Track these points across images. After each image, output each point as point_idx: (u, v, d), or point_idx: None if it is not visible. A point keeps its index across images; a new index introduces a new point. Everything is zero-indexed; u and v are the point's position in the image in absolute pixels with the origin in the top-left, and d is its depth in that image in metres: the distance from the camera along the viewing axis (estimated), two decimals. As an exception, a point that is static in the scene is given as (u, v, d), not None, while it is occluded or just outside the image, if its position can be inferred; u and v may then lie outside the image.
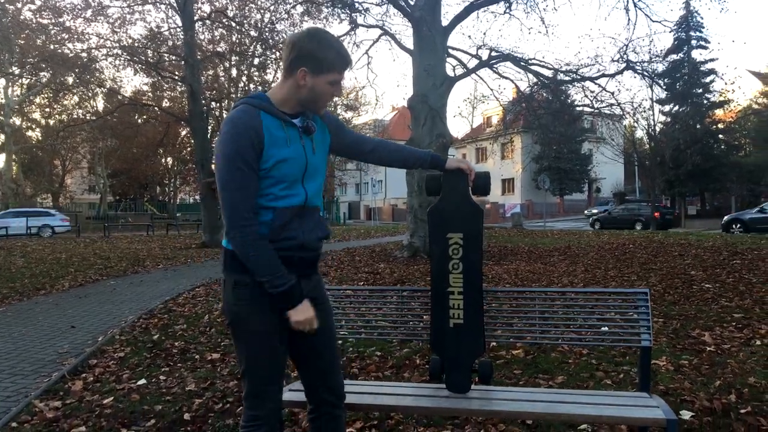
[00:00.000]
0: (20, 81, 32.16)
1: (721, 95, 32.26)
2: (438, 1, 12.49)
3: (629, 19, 14.16)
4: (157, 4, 19.89)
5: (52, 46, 21.50)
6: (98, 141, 39.24)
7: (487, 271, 9.53)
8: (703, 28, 32.64)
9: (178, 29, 19.33)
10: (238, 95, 23.31)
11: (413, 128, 12.41)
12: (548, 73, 13.52)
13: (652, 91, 23.16)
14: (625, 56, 12.18)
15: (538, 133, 32.13)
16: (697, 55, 33.44)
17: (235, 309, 1.99)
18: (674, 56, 32.65)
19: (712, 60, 32.06)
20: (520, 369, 4.31)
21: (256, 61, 21.89)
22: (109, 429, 3.38)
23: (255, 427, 2.03)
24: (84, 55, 20.16)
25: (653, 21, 14.91)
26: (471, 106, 54.53)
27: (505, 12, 13.57)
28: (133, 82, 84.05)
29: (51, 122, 36.98)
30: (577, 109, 14.84)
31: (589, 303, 2.84)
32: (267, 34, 18.65)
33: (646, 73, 12.55)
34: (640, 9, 12.42)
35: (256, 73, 23.93)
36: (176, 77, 20.90)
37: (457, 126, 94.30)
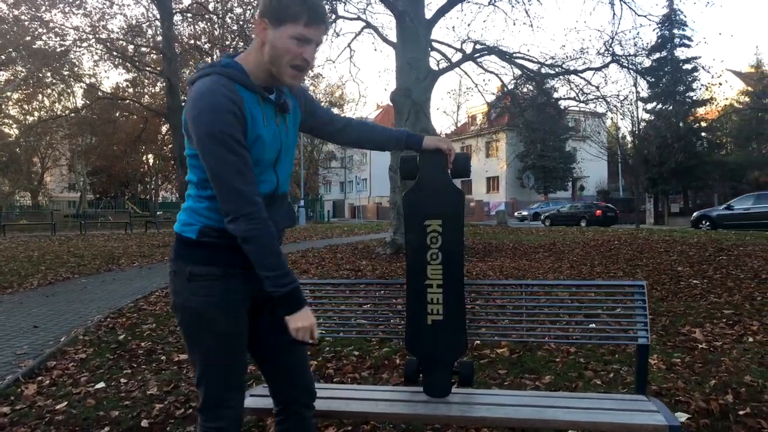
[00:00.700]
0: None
1: (707, 89, 32.36)
2: (421, -7, 12.25)
3: (614, 14, 14.04)
4: (135, -6, 19.47)
5: (28, 38, 20.95)
6: (77, 137, 38.54)
7: (471, 267, 9.33)
8: (686, 26, 32.75)
9: (157, 21, 18.90)
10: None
11: (396, 123, 12.17)
12: (534, 66, 13.34)
13: (636, 88, 23.16)
14: (611, 49, 12.04)
15: (522, 131, 32.09)
16: (680, 53, 33.55)
17: (193, 305, 1.72)
18: (658, 54, 32.73)
19: (695, 58, 32.15)
20: (505, 369, 4.09)
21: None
22: (58, 438, 3.10)
23: None
24: (59, 47, 19.67)
25: (638, 15, 14.78)
26: (456, 103, 54.39)
27: (489, 3, 13.36)
28: (112, 78, 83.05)
29: (30, 119, 36.25)
30: (563, 102, 14.66)
31: (580, 297, 2.61)
32: (249, 29, 18.29)
33: (632, 68, 12.42)
34: (625, 2, 12.27)
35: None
36: (156, 72, 20.45)
37: (441, 121, 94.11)
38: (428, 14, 12.50)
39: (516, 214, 39.71)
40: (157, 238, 19.14)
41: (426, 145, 2.15)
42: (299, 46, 1.66)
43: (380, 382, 3.89)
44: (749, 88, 35.35)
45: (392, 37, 12.82)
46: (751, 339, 4.75)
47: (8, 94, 31.96)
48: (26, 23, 20.65)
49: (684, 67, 33.23)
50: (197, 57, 23.77)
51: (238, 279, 1.75)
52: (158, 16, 18.25)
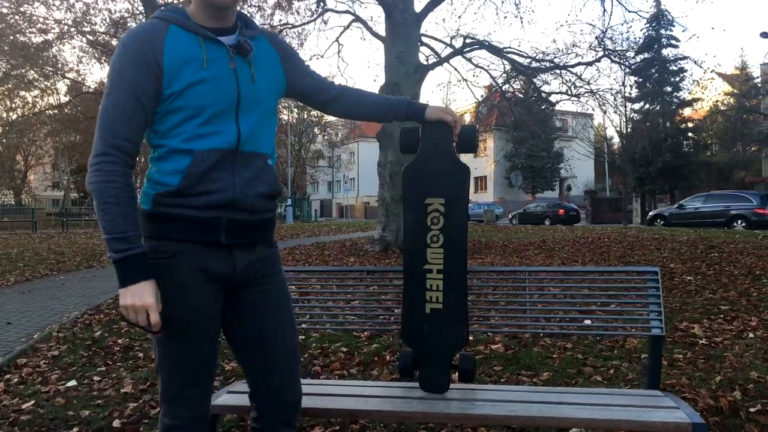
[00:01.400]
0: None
1: (698, 83, 32.45)
2: (411, -14, 12.06)
3: (604, 9, 13.95)
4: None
5: (9, 32, 20.48)
6: (60, 134, 37.90)
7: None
8: (674, 26, 32.88)
9: (141, 16, 18.55)
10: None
11: (385, 118, 11.96)
12: (524, 61, 13.18)
13: (624, 87, 23.19)
14: (602, 44, 11.92)
15: (511, 129, 32.01)
16: (667, 53, 33.68)
17: None
18: (645, 54, 32.82)
19: (682, 58, 32.28)
20: (500, 365, 3.91)
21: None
22: (21, 439, 2.87)
23: None
24: (42, 41, 19.26)
25: (629, 11, 14.72)
26: (443, 103, 54.28)
27: (479, -5, 13.19)
28: (96, 74, 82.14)
29: (13, 116, 35.59)
30: (554, 96, 14.49)
31: (588, 285, 2.42)
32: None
33: (624, 64, 12.31)
34: (616, -1, 12.15)
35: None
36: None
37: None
38: (418, 7, 12.32)
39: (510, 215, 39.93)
40: (141, 235, 18.78)
41: (429, 115, 1.93)
42: None
43: (370, 378, 3.69)
44: (734, 90, 35.57)
45: (381, 30, 12.63)
46: (751, 335, 4.62)
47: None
48: (8, 17, 20.20)
49: (671, 68, 33.37)
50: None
51: (198, 255, 1.54)
52: (142, 10, 17.90)
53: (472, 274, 2.24)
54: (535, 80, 13.59)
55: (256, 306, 1.66)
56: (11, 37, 19.70)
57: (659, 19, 32.23)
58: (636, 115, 34.87)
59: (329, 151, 52.85)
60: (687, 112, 34.80)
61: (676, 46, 33.24)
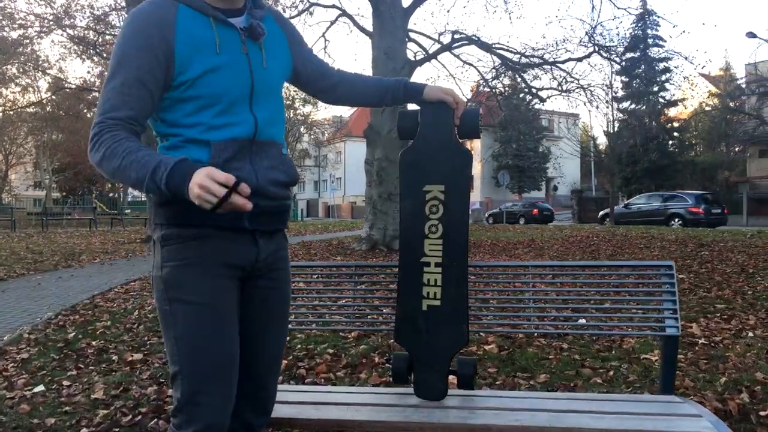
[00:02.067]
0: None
1: (687, 80, 32.66)
2: (398, -19, 11.86)
3: (593, 6, 13.83)
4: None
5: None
6: (41, 133, 37.30)
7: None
8: (659, 26, 33.02)
9: (124, 12, 18.19)
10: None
11: (372, 114, 11.78)
12: (514, 57, 13.04)
13: (612, 87, 23.19)
14: (592, 39, 11.81)
15: (498, 129, 31.94)
16: (654, 53, 33.79)
17: (166, 272, 1.39)
18: (631, 54, 32.90)
19: (668, 58, 32.40)
20: (494, 367, 3.73)
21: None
22: (-21, 451, 2.64)
23: None
24: (22, 37, 18.85)
25: (618, 8, 14.62)
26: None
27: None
28: (79, 71, 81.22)
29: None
30: (544, 92, 14.32)
31: (595, 281, 2.24)
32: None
33: (615, 61, 12.23)
34: (605, -5, 12.03)
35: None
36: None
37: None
38: (406, 2, 12.14)
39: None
40: (122, 234, 18.41)
41: (427, 95, 1.76)
42: None
43: (358, 382, 3.49)
44: (718, 90, 35.81)
45: (368, 25, 12.43)
46: (750, 334, 4.50)
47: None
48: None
49: (658, 67, 33.50)
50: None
51: (222, 241, 1.41)
52: (123, 5, 17.55)
53: (472, 269, 2.05)
54: (524, 75, 13.45)
55: (258, 300, 1.53)
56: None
57: (645, 19, 32.34)
58: (622, 114, 35.01)
59: (315, 150, 52.48)
60: (673, 112, 34.99)
61: (662, 46, 33.36)
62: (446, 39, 13.17)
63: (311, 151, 52.85)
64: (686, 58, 32.68)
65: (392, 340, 3.99)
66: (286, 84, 1.67)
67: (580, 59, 12.20)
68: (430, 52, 13.17)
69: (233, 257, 1.44)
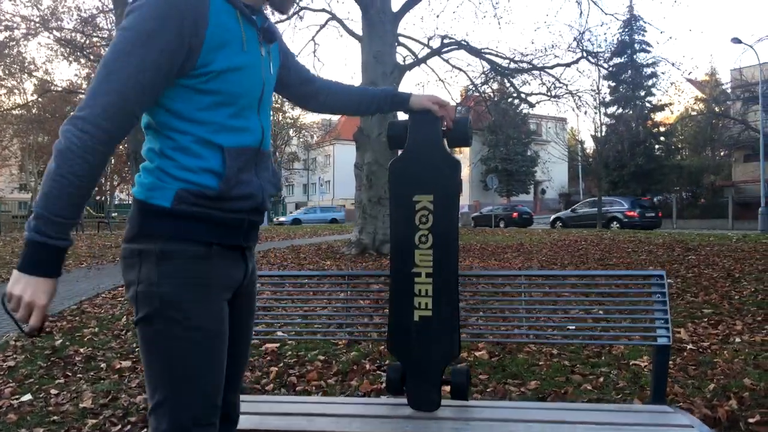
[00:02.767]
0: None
1: (673, 85, 32.99)
2: (388, -15, 11.89)
3: (581, 12, 13.98)
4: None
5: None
6: (27, 135, 36.96)
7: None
8: (646, 31, 33.32)
9: (112, 14, 18.09)
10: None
11: (362, 119, 11.78)
12: (503, 62, 13.12)
13: (599, 93, 23.40)
14: (580, 45, 11.93)
15: (486, 133, 32.04)
16: (640, 58, 34.11)
17: (165, 291, 1.26)
18: (618, 59, 33.19)
19: (655, 63, 32.73)
20: (485, 374, 3.73)
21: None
22: (-35, 463, 2.60)
23: None
24: (9, 40, 18.70)
25: (606, 14, 14.80)
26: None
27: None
28: (66, 74, 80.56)
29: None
30: (533, 97, 14.43)
31: (586, 290, 2.25)
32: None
33: (602, 66, 12.35)
34: (592, 1, 12.17)
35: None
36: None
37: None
38: (395, 6, 12.17)
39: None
40: (110, 238, 18.28)
41: (414, 103, 1.75)
42: None
43: (349, 389, 3.48)
44: (704, 95, 36.18)
45: (357, 29, 12.45)
46: (738, 339, 4.53)
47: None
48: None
49: (644, 72, 33.82)
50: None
51: (220, 260, 1.32)
52: (111, 7, 17.45)
53: (464, 279, 2.05)
54: (514, 81, 13.54)
55: (235, 318, 1.45)
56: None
57: (632, 25, 32.62)
58: (609, 119, 35.29)
59: (304, 153, 52.39)
60: (659, 116, 35.32)
61: (649, 51, 33.71)
62: (436, 43, 13.23)
63: (300, 154, 52.74)
64: (673, 64, 33.10)
65: (383, 347, 3.99)
66: None
67: (568, 65, 12.32)
68: (420, 56, 13.21)
69: (231, 278, 1.37)
